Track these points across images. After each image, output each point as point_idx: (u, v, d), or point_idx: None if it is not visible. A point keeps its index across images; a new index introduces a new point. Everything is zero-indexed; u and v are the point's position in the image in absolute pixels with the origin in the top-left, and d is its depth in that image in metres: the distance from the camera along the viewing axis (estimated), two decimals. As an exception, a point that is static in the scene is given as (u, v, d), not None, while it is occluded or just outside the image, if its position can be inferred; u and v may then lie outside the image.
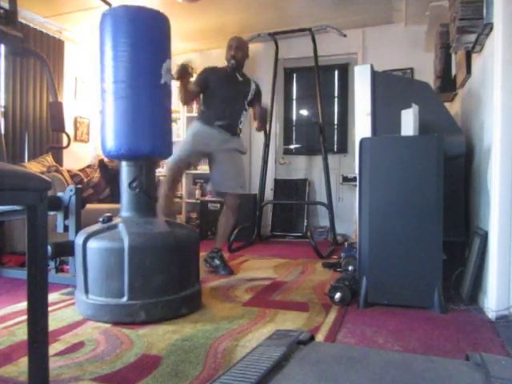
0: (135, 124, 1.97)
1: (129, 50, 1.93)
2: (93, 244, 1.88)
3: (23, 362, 1.41)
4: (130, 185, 2.03)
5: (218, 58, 3.81)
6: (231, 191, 3.02)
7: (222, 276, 2.85)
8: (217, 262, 2.94)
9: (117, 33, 1.95)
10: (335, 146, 5.17)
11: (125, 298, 1.83)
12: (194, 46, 5.31)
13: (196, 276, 2.12)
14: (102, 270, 1.86)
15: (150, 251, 1.87)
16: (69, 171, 4.03)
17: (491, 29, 2.08)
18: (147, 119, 1.98)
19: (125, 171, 2.06)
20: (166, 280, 1.90)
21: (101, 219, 2.01)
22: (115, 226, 1.95)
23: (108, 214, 2.03)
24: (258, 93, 3.20)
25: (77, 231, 2.48)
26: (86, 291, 1.90)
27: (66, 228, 2.52)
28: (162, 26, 2.06)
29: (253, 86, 3.17)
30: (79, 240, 1.93)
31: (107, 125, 2.01)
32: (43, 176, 1.12)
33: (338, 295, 2.12)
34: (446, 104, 3.01)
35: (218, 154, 3.02)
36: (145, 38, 1.97)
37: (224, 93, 3.03)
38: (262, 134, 4.64)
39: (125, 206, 2.07)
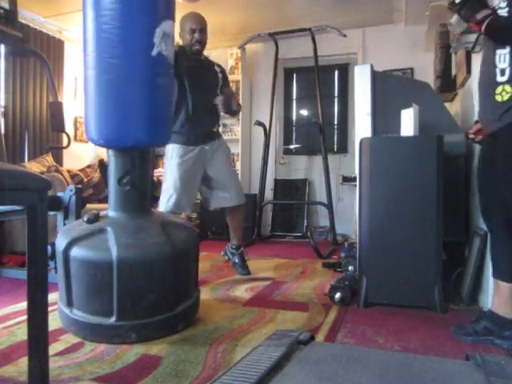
0: (122, 105, 1.62)
1: (113, 11, 1.54)
2: (76, 252, 1.61)
3: (23, 362, 1.41)
4: (119, 181, 1.73)
5: (218, 58, 3.80)
6: (238, 203, 2.81)
7: (223, 275, 2.85)
8: (236, 260, 2.91)
9: None
10: (335, 146, 5.16)
11: (113, 319, 1.59)
12: (194, 46, 5.30)
13: (194, 283, 1.93)
14: (88, 285, 1.62)
15: (142, 266, 1.61)
16: (69, 171, 4.02)
17: (491, 29, 2.07)
18: (137, 99, 1.63)
19: (113, 162, 1.75)
20: (160, 297, 1.66)
21: (85, 219, 1.73)
22: (102, 231, 1.67)
23: (94, 212, 1.77)
24: (224, 77, 2.80)
25: (77, 231, 2.46)
26: (70, 304, 1.66)
27: (65, 228, 2.52)
28: None
29: (217, 70, 2.76)
30: (60, 245, 1.65)
31: (89, 106, 1.66)
32: (43, 176, 1.12)
33: (337, 295, 2.12)
34: (446, 104, 3.01)
35: (212, 173, 2.74)
36: None
37: (193, 88, 2.59)
38: (262, 134, 4.63)
39: (113, 205, 1.78)
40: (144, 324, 1.63)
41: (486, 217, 1.76)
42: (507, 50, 1.54)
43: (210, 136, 2.74)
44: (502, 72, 1.55)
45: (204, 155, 2.70)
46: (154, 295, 1.65)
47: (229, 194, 2.76)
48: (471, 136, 1.90)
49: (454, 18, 1.70)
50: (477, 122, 1.85)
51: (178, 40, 2.28)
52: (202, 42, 2.64)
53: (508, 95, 1.53)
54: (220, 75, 2.76)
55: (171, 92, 1.86)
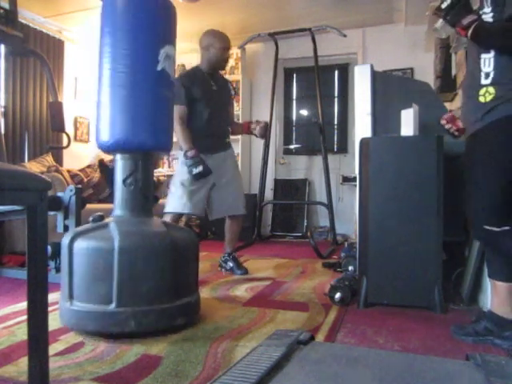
0: (130, 113, 1.84)
1: (126, 34, 1.85)
2: (80, 244, 1.71)
3: (23, 362, 1.41)
4: (124, 181, 1.86)
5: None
6: (238, 213, 2.90)
7: (223, 275, 2.86)
8: (230, 264, 2.95)
9: (115, 17, 1.87)
10: (335, 146, 5.17)
11: (113, 305, 1.63)
12: (194, 46, 5.29)
13: (195, 283, 1.95)
14: (89, 273, 1.69)
15: (142, 252, 1.69)
16: (69, 171, 4.02)
17: (491, 29, 2.07)
18: (142, 108, 1.85)
19: (119, 166, 1.91)
20: (160, 286, 1.71)
21: (91, 219, 1.86)
22: (106, 225, 1.79)
23: (99, 213, 1.89)
24: (233, 94, 3.12)
25: (77, 231, 2.47)
26: (71, 296, 1.71)
27: (66, 228, 2.52)
28: (164, 11, 1.95)
29: (229, 87, 3.01)
30: (66, 239, 1.77)
31: (102, 114, 1.89)
32: (43, 176, 1.12)
33: (337, 295, 2.12)
34: (446, 104, 3.01)
35: (219, 183, 2.82)
36: (143, 23, 1.87)
37: (209, 105, 2.78)
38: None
39: (118, 205, 1.91)
40: (144, 312, 1.66)
41: (476, 217, 1.77)
42: (491, 54, 1.57)
43: (222, 146, 2.88)
44: (487, 75, 1.58)
45: (215, 163, 2.76)
46: (154, 282, 1.69)
47: (232, 204, 2.86)
48: (443, 122, 1.90)
49: (439, 23, 1.71)
50: (451, 110, 1.86)
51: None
52: (228, 62, 2.95)
53: (491, 96, 1.56)
54: (232, 92, 3.05)
55: (172, 106, 2.05)
